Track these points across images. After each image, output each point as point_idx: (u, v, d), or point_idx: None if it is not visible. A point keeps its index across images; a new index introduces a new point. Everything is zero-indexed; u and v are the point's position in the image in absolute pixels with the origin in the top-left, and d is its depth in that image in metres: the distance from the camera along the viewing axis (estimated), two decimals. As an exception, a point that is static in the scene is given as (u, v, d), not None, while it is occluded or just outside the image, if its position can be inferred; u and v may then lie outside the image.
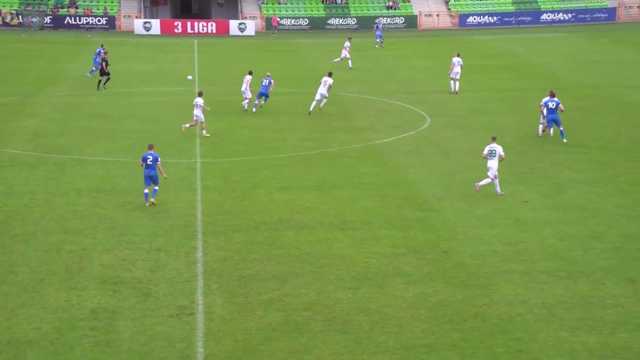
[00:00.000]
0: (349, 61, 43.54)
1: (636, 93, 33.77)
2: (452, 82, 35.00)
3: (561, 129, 25.60)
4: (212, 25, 63.28)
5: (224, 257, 16.44)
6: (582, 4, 68.47)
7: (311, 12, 67.62)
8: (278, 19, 64.18)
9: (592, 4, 68.49)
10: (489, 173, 20.47)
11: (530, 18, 67.41)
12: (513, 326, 13.36)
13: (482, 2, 69.42)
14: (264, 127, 28.92)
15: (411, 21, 67.55)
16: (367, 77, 40.65)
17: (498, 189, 20.48)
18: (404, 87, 36.78)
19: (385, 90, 36.61)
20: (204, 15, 69.09)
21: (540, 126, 26.59)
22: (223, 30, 62.33)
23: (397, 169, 23.37)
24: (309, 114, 30.64)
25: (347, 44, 44.63)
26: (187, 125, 26.85)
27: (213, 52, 51.29)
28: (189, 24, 63.16)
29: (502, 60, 46.14)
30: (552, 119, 25.69)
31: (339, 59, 43.93)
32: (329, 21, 66.64)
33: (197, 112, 26.57)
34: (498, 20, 67.15)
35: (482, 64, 44.95)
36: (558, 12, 67.63)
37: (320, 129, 28.68)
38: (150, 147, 20.01)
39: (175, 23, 63.44)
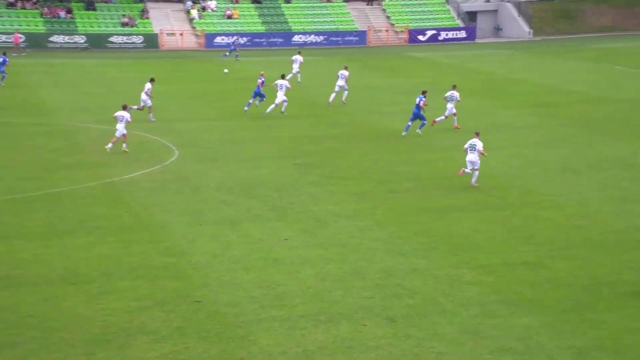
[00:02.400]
0: (298, 75, 46.55)
1: (389, 120, 36.70)
2: (334, 94, 39.12)
3: (423, 122, 32.10)
4: None
5: None
6: (333, 27, 73.35)
7: (28, 27, 64.32)
8: (20, 36, 60.30)
9: (343, 26, 73.68)
10: (469, 166, 24.67)
11: (282, 39, 70.65)
12: (274, 380, 13.55)
13: (229, 21, 71.37)
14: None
15: (151, 40, 67.26)
16: (101, 104, 39.49)
17: (474, 180, 24.73)
18: (146, 115, 36.31)
19: (124, 119, 35.79)
20: None
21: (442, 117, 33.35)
22: None
23: (140, 209, 22.87)
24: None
25: (297, 57, 47.31)
26: (109, 147, 28.78)
27: None
28: None
29: (253, 84, 47.53)
30: (415, 113, 31.82)
31: (291, 74, 45.95)
32: (51, 38, 63.91)
33: (120, 126, 28.87)
34: (248, 41, 69.36)
35: (232, 88, 45.96)
36: (309, 33, 71.68)
37: (44, 166, 27.22)
38: None
39: None
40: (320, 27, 72.89)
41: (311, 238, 20.66)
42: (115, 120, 29.24)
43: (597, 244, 19.74)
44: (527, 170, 27.03)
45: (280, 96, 35.86)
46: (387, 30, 74.00)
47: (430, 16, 76.82)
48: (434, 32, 74.30)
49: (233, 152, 30.41)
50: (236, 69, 55.60)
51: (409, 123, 32.19)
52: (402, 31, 73.96)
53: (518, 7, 78.38)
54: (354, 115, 37.78)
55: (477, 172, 24.77)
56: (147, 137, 32.29)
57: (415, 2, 77.80)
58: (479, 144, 24.64)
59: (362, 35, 72.51)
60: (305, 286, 17.46)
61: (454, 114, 33.70)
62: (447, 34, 74.62)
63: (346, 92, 39.47)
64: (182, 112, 37.56)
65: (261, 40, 69.83)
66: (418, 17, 76.25)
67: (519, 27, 77.41)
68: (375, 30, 73.49)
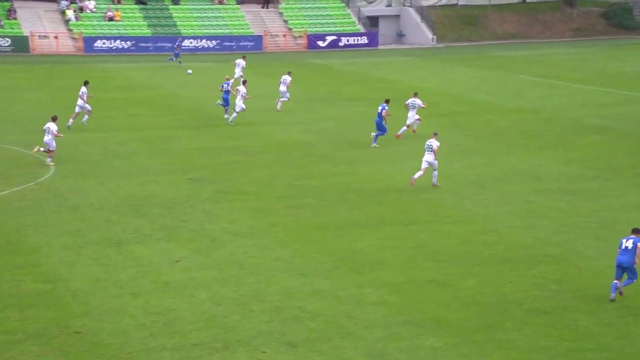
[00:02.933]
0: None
1: (289, 130, 36.88)
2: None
3: (378, 133, 32.89)
4: None
5: None
6: (227, 31, 73.20)
7: None
8: None
9: (237, 31, 73.62)
10: (423, 165, 26.62)
11: (171, 44, 69.93)
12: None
13: (111, 23, 70.12)
14: None
15: (21, 43, 65.32)
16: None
17: (435, 179, 26.79)
18: (17, 127, 35.21)
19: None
20: None
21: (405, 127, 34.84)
22: None
23: (11, 231, 22.16)
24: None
25: (240, 61, 50.27)
26: (38, 148, 29.15)
27: None
28: None
29: (140, 93, 46.94)
30: (377, 122, 32.97)
31: (233, 79, 48.14)
32: None
33: (47, 139, 29.26)
34: (133, 45, 68.36)
35: (115, 97, 45.16)
36: (201, 38, 71.28)
37: None
38: None
39: None
40: (212, 31, 72.62)
41: (206, 259, 20.48)
42: (44, 132, 29.57)
43: (504, 260, 20.38)
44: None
45: (239, 104, 37.48)
46: (284, 35, 74.43)
47: (330, 21, 77.80)
48: (334, 37, 75.26)
49: (119, 166, 29.83)
50: (120, 74, 54.72)
51: (375, 134, 33.09)
52: (300, 36, 74.55)
53: (421, 12, 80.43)
54: (252, 126, 37.77)
55: (435, 172, 26.74)
56: (18, 151, 31.28)
57: (314, 6, 78.65)
58: (435, 143, 26.48)
59: (257, 40, 72.66)
60: (199, 311, 17.27)
61: (419, 120, 35.09)
62: (348, 40, 75.73)
63: (284, 99, 41.12)
64: (59, 123, 36.56)
65: (147, 44, 68.90)
66: (317, 21, 77.07)
67: (422, 33, 79.40)
68: (271, 35, 73.77)
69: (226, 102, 38.56)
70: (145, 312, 17.12)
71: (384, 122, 33.05)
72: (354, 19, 78.51)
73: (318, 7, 78.59)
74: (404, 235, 22.43)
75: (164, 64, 60.79)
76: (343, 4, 79.78)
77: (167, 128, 36.91)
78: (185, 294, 18.16)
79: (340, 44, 75.08)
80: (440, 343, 15.85)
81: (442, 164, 30.43)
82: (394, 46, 78.29)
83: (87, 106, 35.55)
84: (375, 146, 32.83)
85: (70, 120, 35.41)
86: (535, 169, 29.34)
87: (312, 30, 75.46)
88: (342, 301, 17.87)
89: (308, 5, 78.45)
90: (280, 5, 77.70)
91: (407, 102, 34.96)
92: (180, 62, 59.23)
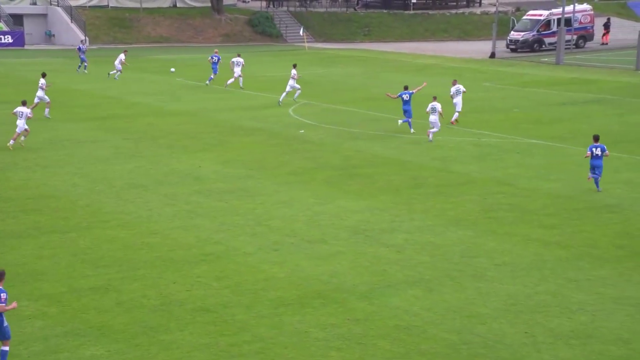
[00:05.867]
0: (117, 73, 52.99)
1: None
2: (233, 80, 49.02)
3: (407, 120, 35.89)
4: None
5: None
6: None
7: None
8: None
9: None
10: (431, 125, 33.58)
11: None
12: None
13: None
14: None
15: None
16: None
17: (431, 136, 33.61)
18: None
19: None
20: None
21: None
22: None
23: None
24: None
25: (121, 56, 53.08)
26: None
27: None
28: None
29: None
30: (405, 109, 35.84)
31: (116, 71, 52.79)
32: None
33: (19, 122, 31.72)
34: None
35: None
36: None
37: None
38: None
39: None
40: None
41: None
42: (15, 116, 32.08)
43: (167, 261, 20.63)
44: (92, 188, 27.16)
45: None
46: None
47: (-33, 17, 72.91)
48: (-27, 35, 70.71)
49: None
50: None
51: (407, 119, 35.98)
52: None
53: (70, 12, 78.30)
54: None
55: (435, 130, 33.53)
56: None
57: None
58: (438, 106, 33.34)
59: None
60: None
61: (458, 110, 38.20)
62: (-10, 38, 71.58)
63: (241, 78, 49.75)
64: None
65: None
66: (-50, 17, 71.79)
67: (73, 34, 77.36)
68: None
69: (215, 72, 49.57)
70: None
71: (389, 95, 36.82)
72: (-4, 16, 74.37)
73: (-52, 2, 73.28)
74: (62, 243, 21.76)
75: None
76: (-23, 1, 75.20)
77: None
78: None
79: (-19, 42, 70.72)
80: (102, 351, 15.64)
81: (101, 166, 30.02)
82: (43, 46, 75.46)
83: (46, 97, 38.18)
84: (413, 132, 35.69)
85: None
86: (195, 170, 30.05)
87: (-56, 27, 70.16)
88: (-5, 317, 16.86)
89: None
90: None
91: (451, 93, 37.59)
92: (78, 68, 56.14)
